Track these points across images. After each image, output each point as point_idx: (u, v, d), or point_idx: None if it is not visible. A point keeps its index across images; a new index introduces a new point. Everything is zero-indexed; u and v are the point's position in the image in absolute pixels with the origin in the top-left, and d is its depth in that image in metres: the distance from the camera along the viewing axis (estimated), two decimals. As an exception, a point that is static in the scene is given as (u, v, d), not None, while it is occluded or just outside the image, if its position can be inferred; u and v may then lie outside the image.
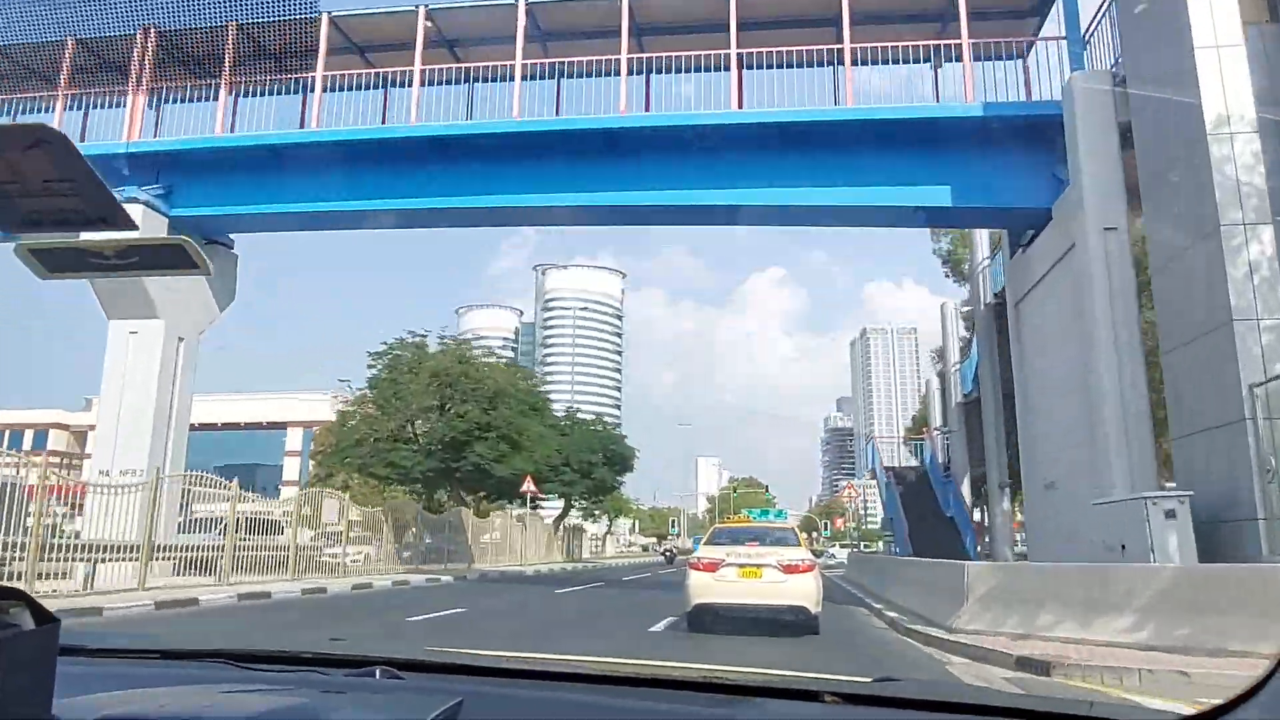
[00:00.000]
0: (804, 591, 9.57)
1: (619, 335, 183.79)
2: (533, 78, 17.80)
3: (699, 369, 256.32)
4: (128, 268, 0.87)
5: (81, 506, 15.90)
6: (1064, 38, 15.60)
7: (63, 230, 0.76)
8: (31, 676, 0.60)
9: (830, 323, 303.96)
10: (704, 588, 9.78)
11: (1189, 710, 1.06)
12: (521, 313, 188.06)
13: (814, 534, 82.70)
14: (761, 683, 1.42)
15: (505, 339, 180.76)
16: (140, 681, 1.23)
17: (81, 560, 12.95)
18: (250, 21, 15.80)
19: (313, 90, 17.89)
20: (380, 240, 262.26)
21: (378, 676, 1.33)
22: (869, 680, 1.45)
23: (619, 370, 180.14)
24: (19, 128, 0.67)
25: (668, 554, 49.75)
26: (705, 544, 10.69)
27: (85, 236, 0.80)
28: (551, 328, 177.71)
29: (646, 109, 17.71)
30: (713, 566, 9.79)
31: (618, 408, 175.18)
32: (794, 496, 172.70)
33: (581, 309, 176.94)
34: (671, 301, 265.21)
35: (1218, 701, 1.01)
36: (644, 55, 17.91)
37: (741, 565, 9.73)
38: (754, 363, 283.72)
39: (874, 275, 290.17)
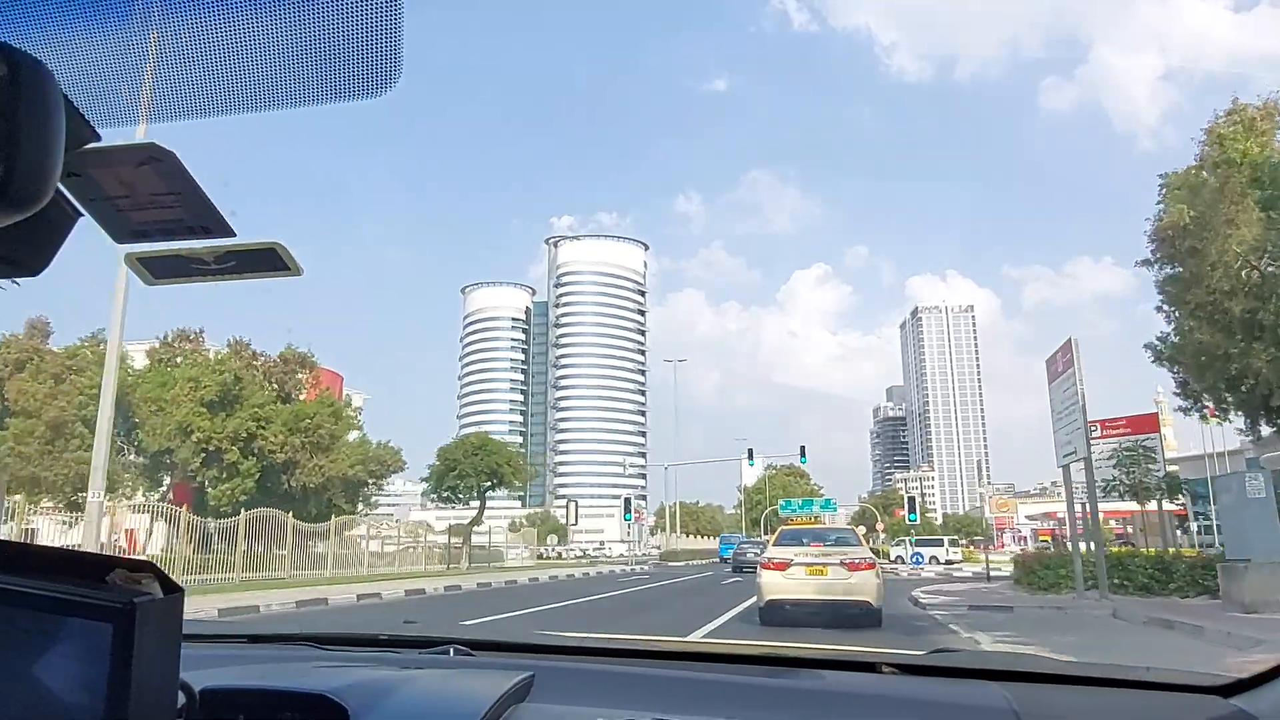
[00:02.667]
0: (867, 587, 10.57)
1: (642, 313, 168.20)
2: None
3: (744, 369, 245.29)
4: (226, 272, 0.92)
5: None
6: None
7: (167, 239, 0.82)
8: (164, 639, 0.65)
9: (875, 318, 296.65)
10: (775, 585, 10.89)
11: (1243, 674, 1.15)
12: (534, 291, 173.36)
13: (875, 529, 69.85)
14: (820, 655, 1.49)
15: (514, 319, 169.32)
16: (237, 661, 1.32)
17: None
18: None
19: None
20: (381, 213, 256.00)
21: (451, 654, 1.42)
22: (923, 653, 1.48)
23: (643, 352, 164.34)
24: (132, 148, 0.72)
25: (737, 560, 36.42)
26: (773, 545, 11.81)
27: (188, 244, 0.86)
28: (565, 305, 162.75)
29: None
30: (783, 565, 10.84)
31: (642, 393, 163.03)
32: (844, 495, 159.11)
33: (599, 283, 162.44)
34: (712, 302, 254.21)
35: (1265, 668, 1.12)
36: None
37: (809, 564, 10.78)
38: (798, 361, 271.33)
39: (918, 269, 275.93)
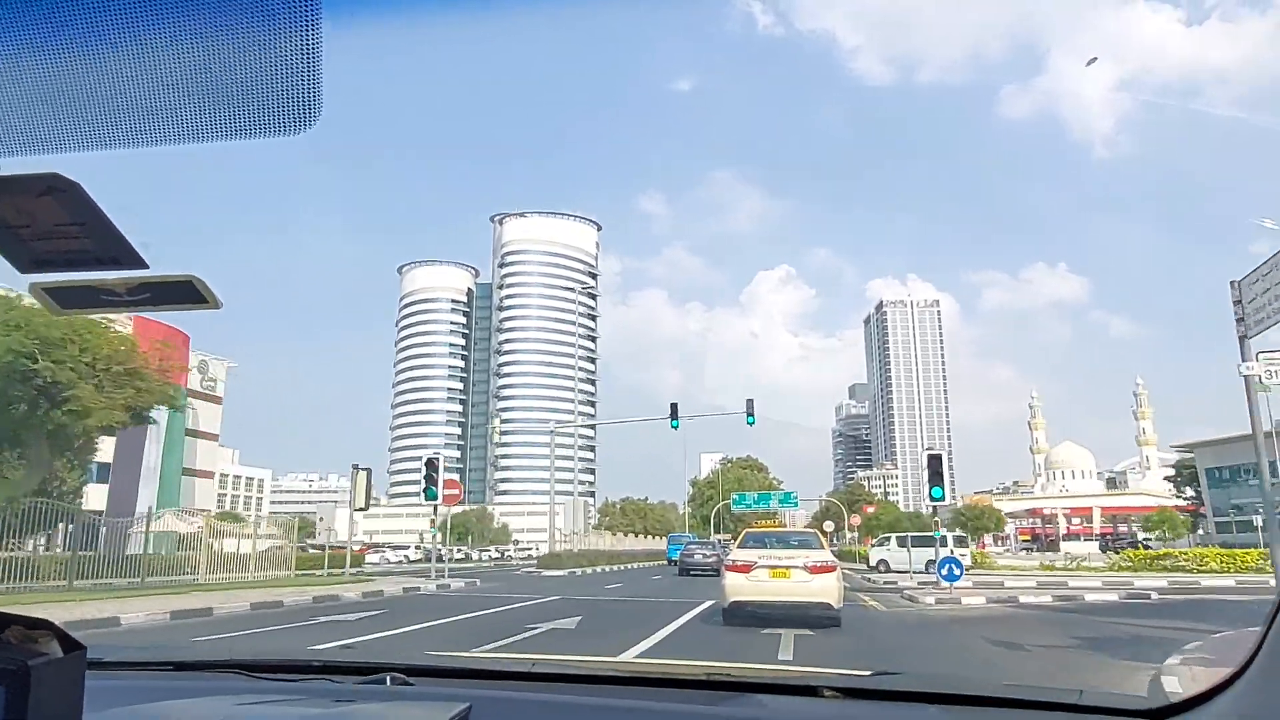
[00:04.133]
0: (829, 590, 10.76)
1: (593, 296, 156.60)
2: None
3: (705, 368, 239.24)
4: (139, 304, 0.89)
5: None
6: None
7: (73, 270, 0.80)
8: (61, 704, 0.61)
9: (837, 321, 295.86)
10: (739, 587, 11.02)
11: (1178, 697, 1.14)
12: (477, 272, 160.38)
13: (841, 527, 60.12)
14: (763, 679, 1.50)
15: (455, 301, 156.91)
16: (155, 694, 1.26)
17: None
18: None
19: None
20: (304, 182, 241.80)
21: (388, 684, 1.37)
22: (867, 674, 1.46)
23: (593, 338, 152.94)
24: (32, 177, 0.71)
25: (684, 562, 32.85)
26: (737, 547, 12.23)
27: (100, 275, 0.84)
28: (510, 286, 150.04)
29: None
30: (747, 568, 10.99)
31: (592, 383, 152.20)
32: (805, 494, 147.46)
33: (547, 263, 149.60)
34: (674, 301, 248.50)
35: (1197, 690, 1.10)
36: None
37: (772, 567, 10.89)
38: (760, 361, 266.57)
39: (879, 272, 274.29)
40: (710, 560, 31.21)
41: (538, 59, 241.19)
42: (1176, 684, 6.31)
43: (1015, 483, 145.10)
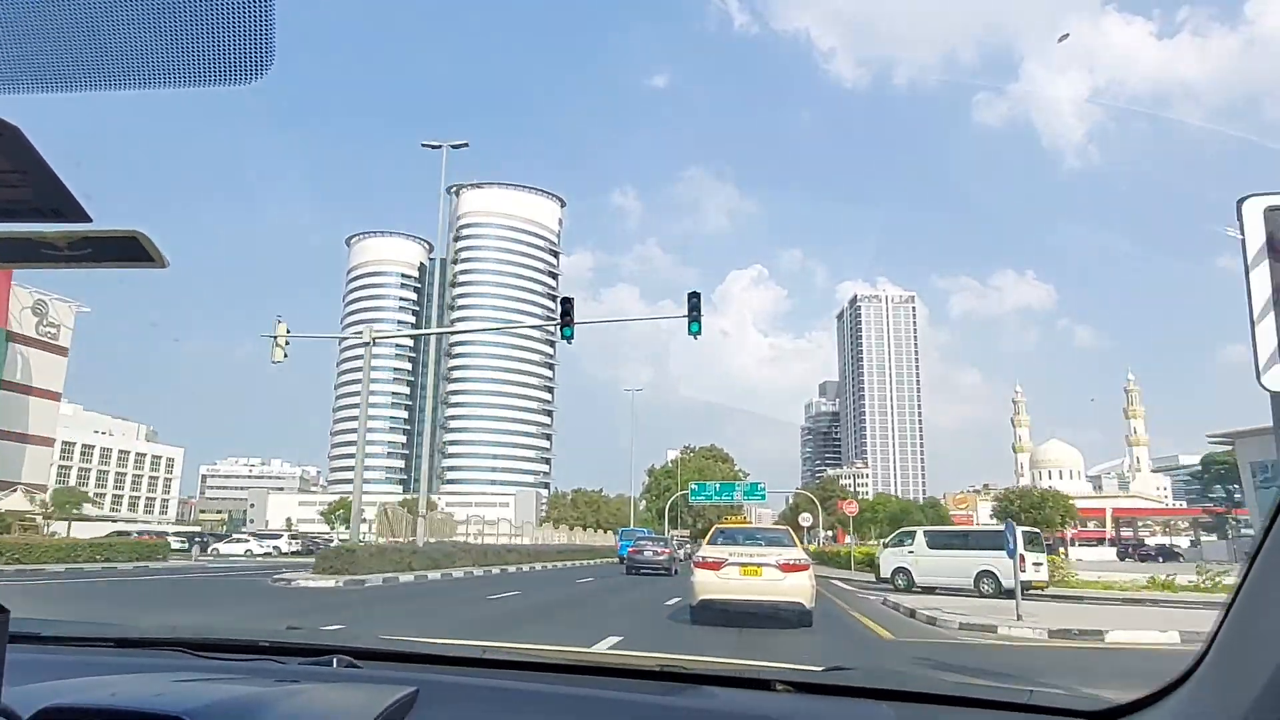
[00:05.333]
0: (800, 589, 10.48)
1: (554, 275, 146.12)
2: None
3: (674, 366, 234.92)
4: (81, 259, 0.85)
5: None
6: None
7: (11, 221, 0.77)
8: None
9: (806, 321, 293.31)
10: (709, 584, 10.67)
11: (1127, 697, 1.14)
12: (431, 246, 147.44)
13: (813, 526, 51.14)
14: (716, 671, 1.46)
15: (405, 276, 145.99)
16: (93, 670, 1.23)
17: None
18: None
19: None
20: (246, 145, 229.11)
21: (335, 665, 1.36)
22: (820, 669, 1.47)
23: (553, 318, 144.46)
24: None
25: (632, 560, 29.70)
26: (707, 544, 11.62)
27: (39, 228, 0.81)
28: (465, 261, 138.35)
29: None
30: (717, 565, 10.64)
31: (550, 366, 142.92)
32: (772, 493, 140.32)
33: (505, 238, 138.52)
34: (646, 299, 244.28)
35: (1147, 691, 1.10)
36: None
37: (744, 564, 10.59)
38: (730, 360, 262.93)
39: (850, 274, 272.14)
40: (660, 559, 28.64)
41: (508, 52, 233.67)
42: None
43: (985, 485, 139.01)
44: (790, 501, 79.47)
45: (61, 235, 0.77)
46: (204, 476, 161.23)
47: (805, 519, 44.16)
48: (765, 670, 1.42)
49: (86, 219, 0.74)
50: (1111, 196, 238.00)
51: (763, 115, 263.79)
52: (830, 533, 55.01)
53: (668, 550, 30.43)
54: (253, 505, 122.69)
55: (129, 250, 0.80)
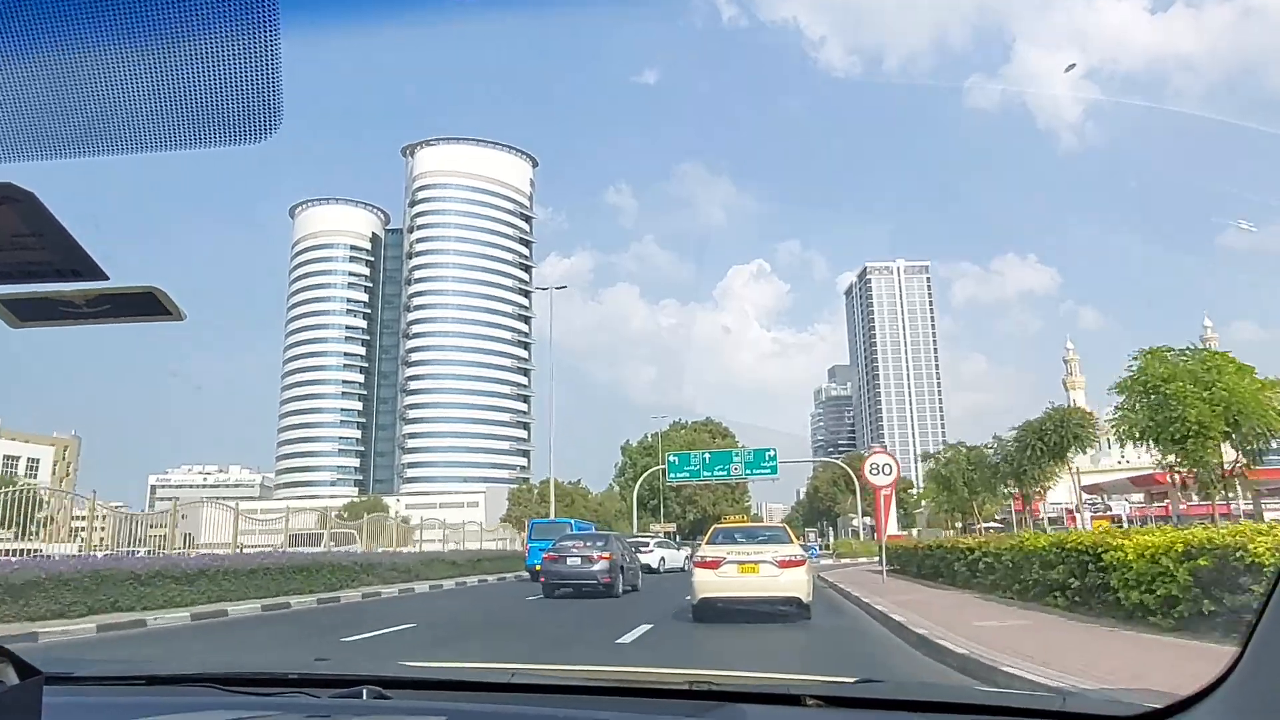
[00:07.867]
0: (798, 584, 10.87)
1: (527, 244, 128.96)
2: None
3: (676, 363, 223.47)
4: (99, 315, 0.87)
5: None
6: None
7: (31, 282, 0.78)
8: None
9: (808, 313, 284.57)
10: (708, 583, 11.02)
11: (1159, 704, 1.12)
12: (388, 217, 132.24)
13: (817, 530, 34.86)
14: (745, 687, 1.45)
15: (355, 249, 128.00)
16: (127, 710, 1.24)
17: None
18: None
19: None
20: None
21: (364, 697, 1.35)
22: (850, 681, 1.46)
23: (526, 293, 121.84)
24: None
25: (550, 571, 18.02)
26: (707, 544, 11.96)
27: (58, 287, 0.83)
28: (423, 229, 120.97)
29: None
30: (715, 564, 11.01)
31: (525, 345, 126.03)
32: (784, 491, 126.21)
33: (470, 202, 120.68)
34: (646, 298, 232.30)
35: (1184, 694, 1.08)
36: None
37: (741, 562, 10.94)
38: (733, 357, 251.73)
39: (850, 264, 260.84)
40: (595, 568, 17.30)
41: (499, 50, 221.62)
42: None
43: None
44: (814, 472, 62.73)
45: (80, 293, 0.79)
46: (153, 487, 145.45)
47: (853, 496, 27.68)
48: (795, 684, 1.41)
49: (104, 277, 0.75)
50: (1108, 179, 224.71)
51: (755, 108, 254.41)
52: (869, 519, 38.76)
53: (607, 554, 17.92)
54: (185, 517, 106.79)
55: (146, 305, 0.82)
